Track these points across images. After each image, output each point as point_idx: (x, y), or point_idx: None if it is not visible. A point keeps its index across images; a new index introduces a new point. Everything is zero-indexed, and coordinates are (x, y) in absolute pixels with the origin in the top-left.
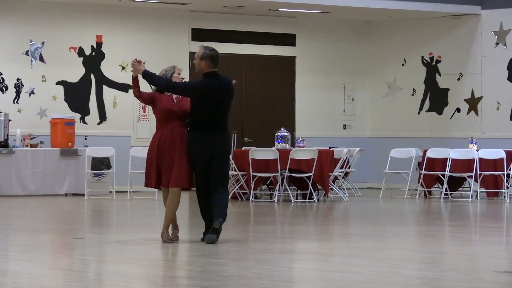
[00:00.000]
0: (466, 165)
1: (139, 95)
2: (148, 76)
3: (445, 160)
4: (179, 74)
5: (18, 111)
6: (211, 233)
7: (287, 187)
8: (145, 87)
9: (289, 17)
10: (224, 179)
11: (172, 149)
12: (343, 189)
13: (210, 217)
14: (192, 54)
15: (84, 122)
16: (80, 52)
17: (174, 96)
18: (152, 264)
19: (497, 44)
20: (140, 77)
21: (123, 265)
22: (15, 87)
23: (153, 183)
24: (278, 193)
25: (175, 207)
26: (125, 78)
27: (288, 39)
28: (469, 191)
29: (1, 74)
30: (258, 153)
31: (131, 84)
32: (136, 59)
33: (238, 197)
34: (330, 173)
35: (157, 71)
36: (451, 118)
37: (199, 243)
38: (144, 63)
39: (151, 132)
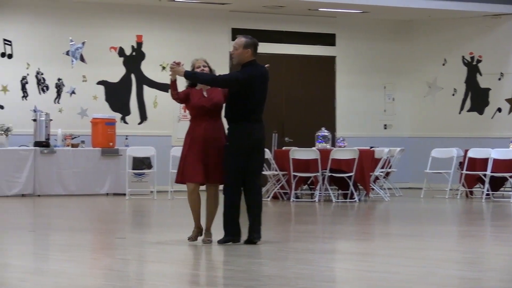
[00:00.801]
0: (507, 165)
1: (177, 97)
2: (190, 75)
3: (486, 160)
4: (203, 66)
5: (59, 111)
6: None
7: (328, 187)
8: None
9: (329, 17)
10: (261, 174)
11: (215, 145)
12: (384, 189)
13: (237, 225)
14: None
15: (125, 122)
16: (121, 52)
17: (204, 90)
18: (192, 264)
19: None
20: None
21: (163, 265)
22: (56, 87)
23: (200, 178)
24: (319, 193)
25: (218, 205)
26: (166, 78)
27: (328, 39)
28: (511, 191)
29: (42, 74)
30: (299, 153)
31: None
32: (174, 62)
33: (279, 197)
34: (371, 173)
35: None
36: (492, 118)
37: (239, 243)
38: (183, 65)
39: None
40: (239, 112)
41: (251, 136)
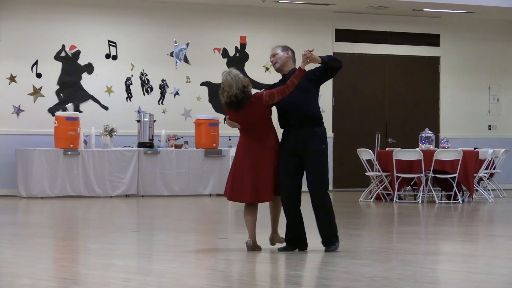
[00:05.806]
0: None
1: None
2: (329, 60)
3: None
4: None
5: (163, 112)
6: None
7: (431, 188)
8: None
9: (433, 17)
10: None
11: None
12: (488, 190)
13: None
14: (336, 55)
15: None
16: (224, 53)
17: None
18: (295, 265)
19: None
20: None
21: (266, 266)
22: (160, 88)
23: None
24: (422, 194)
25: None
26: (269, 78)
27: (432, 39)
28: None
29: (146, 75)
30: (402, 154)
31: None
32: (308, 50)
33: (382, 198)
34: (474, 174)
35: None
36: None
37: (341, 244)
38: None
39: None
40: (319, 112)
41: None
